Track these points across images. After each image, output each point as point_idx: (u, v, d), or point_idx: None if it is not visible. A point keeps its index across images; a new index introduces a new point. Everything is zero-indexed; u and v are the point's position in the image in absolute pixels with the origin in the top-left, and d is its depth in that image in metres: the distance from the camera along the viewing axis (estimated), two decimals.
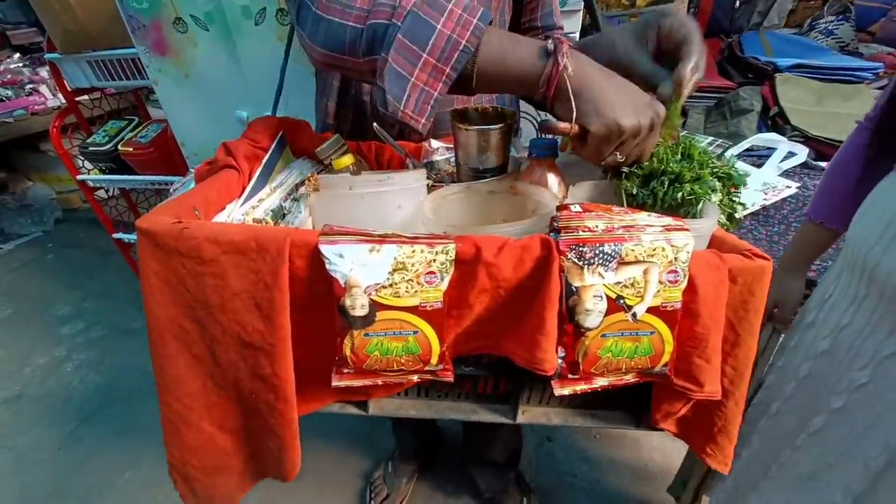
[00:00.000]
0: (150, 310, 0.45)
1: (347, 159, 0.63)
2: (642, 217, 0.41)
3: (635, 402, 0.53)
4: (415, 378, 0.46)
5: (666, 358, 0.42)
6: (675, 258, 0.40)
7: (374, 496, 1.19)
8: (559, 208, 0.42)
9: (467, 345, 0.47)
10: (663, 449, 1.34)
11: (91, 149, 1.55)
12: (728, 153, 1.22)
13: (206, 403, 0.49)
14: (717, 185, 0.53)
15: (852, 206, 0.70)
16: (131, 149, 1.50)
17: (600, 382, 0.44)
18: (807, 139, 1.21)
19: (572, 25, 1.34)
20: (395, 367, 0.43)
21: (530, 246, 0.40)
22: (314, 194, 0.49)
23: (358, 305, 0.40)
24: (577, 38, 1.34)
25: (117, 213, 1.99)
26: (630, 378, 0.44)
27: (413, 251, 0.40)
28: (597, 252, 0.39)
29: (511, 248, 0.40)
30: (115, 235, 1.76)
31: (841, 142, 1.13)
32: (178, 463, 0.51)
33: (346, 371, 0.44)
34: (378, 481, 1.23)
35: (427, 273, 0.40)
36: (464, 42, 0.44)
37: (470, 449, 1.20)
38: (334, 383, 0.44)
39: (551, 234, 0.42)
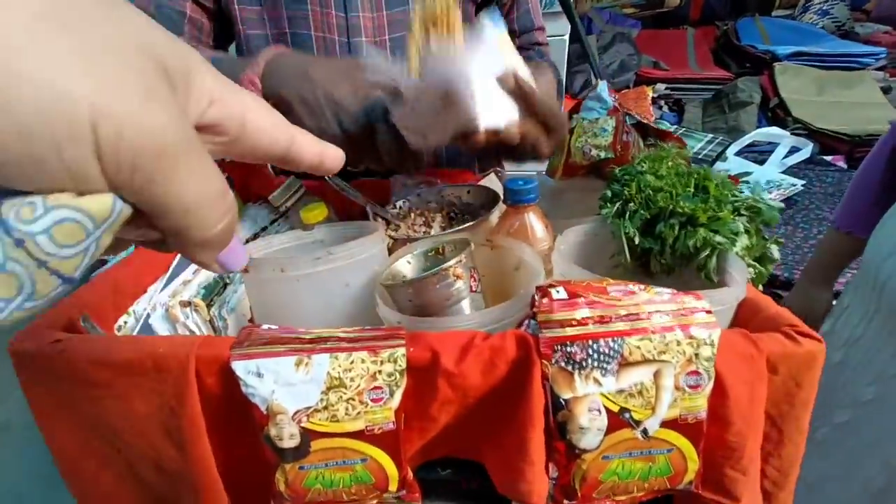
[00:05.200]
0: (49, 434, 0.37)
1: (318, 212, 0.52)
2: (648, 299, 0.32)
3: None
4: (374, 503, 0.37)
5: (690, 476, 0.33)
6: (696, 355, 0.30)
7: None
8: (538, 290, 0.33)
9: (437, 451, 0.38)
10: None
11: None
12: (729, 150, 1.14)
13: None
14: (741, 226, 0.43)
15: (879, 213, 0.65)
16: None
17: None
18: (811, 132, 1.16)
19: (561, 28, 1.23)
20: (346, 498, 0.35)
21: (503, 347, 0.31)
22: (245, 275, 0.40)
23: (286, 436, 0.31)
24: (567, 40, 1.22)
25: None
26: (644, 496, 0.35)
27: (351, 362, 0.31)
28: (590, 352, 0.30)
29: (478, 350, 0.31)
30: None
31: (847, 134, 1.08)
32: None
33: None
34: None
35: (371, 389, 0.31)
36: None
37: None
38: None
39: (530, 323, 0.33)
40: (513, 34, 0.71)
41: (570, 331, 0.30)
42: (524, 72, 0.46)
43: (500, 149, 0.49)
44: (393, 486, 0.34)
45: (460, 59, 0.42)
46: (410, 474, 0.35)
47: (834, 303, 0.76)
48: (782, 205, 0.92)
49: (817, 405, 0.70)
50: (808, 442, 0.69)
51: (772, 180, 1.00)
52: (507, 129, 0.45)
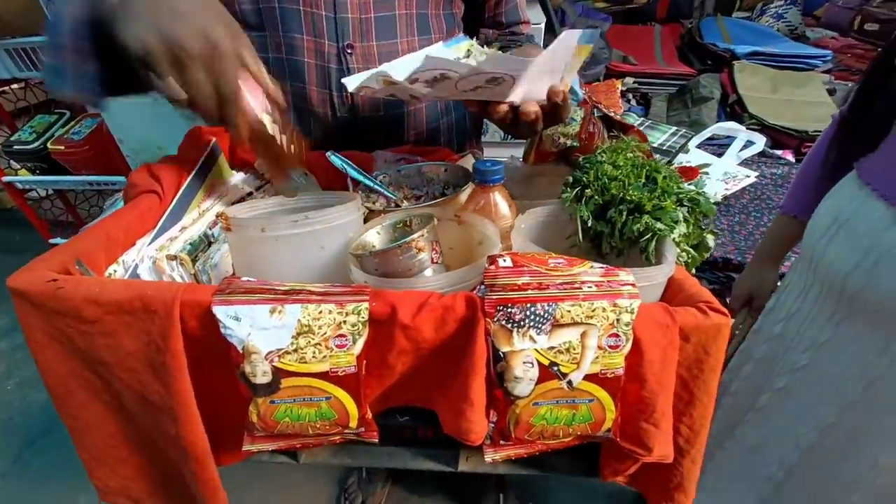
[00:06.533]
0: (43, 364, 0.41)
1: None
2: (582, 271, 0.36)
3: (589, 449, 0.50)
4: (336, 439, 0.42)
5: (608, 424, 0.38)
6: (618, 320, 0.35)
7: (349, 503, 1.18)
8: (489, 259, 0.37)
9: (395, 399, 0.43)
10: None
11: (16, 147, 1.40)
12: (691, 143, 1.21)
13: (132, 442, 0.46)
14: (681, 215, 0.47)
15: (819, 199, 0.71)
16: (63, 147, 1.35)
17: (537, 447, 0.40)
18: (764, 127, 1.25)
19: (536, 17, 1.25)
20: (311, 432, 0.39)
21: (453, 306, 0.36)
22: (228, 233, 0.44)
23: (259, 373, 0.36)
24: (543, 30, 1.24)
25: (53, 216, 1.81)
26: (571, 440, 0.40)
27: (320, 312, 0.35)
28: (528, 313, 0.35)
29: (431, 308, 0.36)
30: (52, 241, 1.60)
31: (796, 130, 1.16)
32: (118, 488, 0.47)
33: (257, 434, 0.40)
34: (352, 487, 1.22)
35: (336, 336, 0.36)
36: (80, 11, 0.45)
37: None
38: (245, 447, 0.40)
39: (481, 288, 0.37)
40: (500, 26, 0.74)
41: (511, 294, 0.35)
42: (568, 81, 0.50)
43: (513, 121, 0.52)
44: (353, 424, 0.39)
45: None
46: (369, 414, 0.40)
47: (778, 283, 0.82)
48: (719, 198, 0.99)
49: (761, 375, 0.77)
50: (751, 409, 0.77)
51: (728, 172, 1.08)
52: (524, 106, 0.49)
